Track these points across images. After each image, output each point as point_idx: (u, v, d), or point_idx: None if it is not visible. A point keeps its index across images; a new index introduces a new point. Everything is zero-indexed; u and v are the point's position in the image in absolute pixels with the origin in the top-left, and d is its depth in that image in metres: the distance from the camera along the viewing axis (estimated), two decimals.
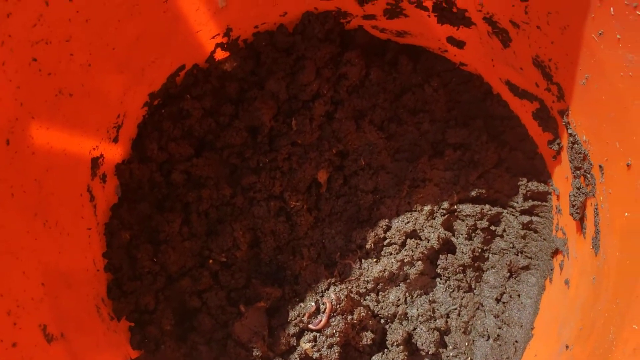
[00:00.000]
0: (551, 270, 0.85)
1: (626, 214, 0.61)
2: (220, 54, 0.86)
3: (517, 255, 0.90)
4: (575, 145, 0.72)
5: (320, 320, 0.77)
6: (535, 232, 0.89)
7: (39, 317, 0.60)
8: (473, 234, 0.90)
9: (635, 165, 0.58)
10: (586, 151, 0.69)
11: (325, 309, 0.77)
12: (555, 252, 0.84)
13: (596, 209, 0.69)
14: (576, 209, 0.73)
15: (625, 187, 0.61)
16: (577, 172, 0.73)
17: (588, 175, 0.70)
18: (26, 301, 0.59)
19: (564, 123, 0.73)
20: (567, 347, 0.69)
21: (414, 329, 0.86)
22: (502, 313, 0.88)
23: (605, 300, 0.63)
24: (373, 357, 0.83)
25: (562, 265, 0.81)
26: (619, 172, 0.62)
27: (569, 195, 0.75)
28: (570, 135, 0.72)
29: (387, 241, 0.88)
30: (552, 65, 0.69)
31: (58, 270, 0.66)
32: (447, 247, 0.91)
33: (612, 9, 0.53)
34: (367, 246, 0.87)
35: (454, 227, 0.91)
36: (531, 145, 0.87)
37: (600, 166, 0.66)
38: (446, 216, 0.89)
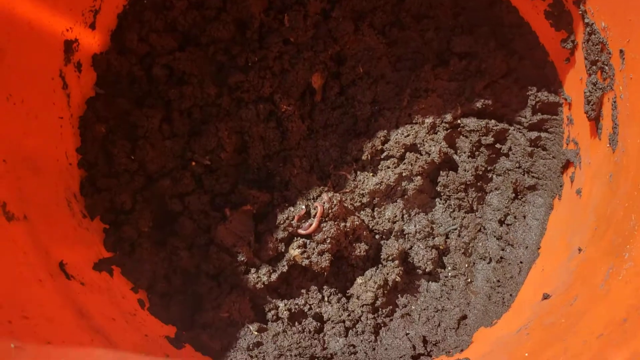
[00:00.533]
0: (560, 186, 0.79)
1: None
2: None
3: (524, 175, 0.84)
4: (593, 36, 0.66)
5: (311, 224, 0.71)
6: (544, 149, 0.83)
7: None
8: (477, 152, 0.84)
9: None
10: (605, 39, 0.63)
11: (316, 213, 0.71)
12: (566, 165, 0.78)
13: (614, 102, 0.63)
14: (592, 105, 0.67)
15: None
16: (593, 67, 0.67)
17: (606, 67, 0.64)
18: None
19: (580, 12, 0.67)
20: (579, 250, 0.63)
21: (411, 247, 0.80)
22: (506, 234, 0.82)
23: (624, 193, 0.57)
24: (366, 272, 0.77)
25: (572, 178, 0.75)
26: (638, 51, 0.56)
27: (584, 93, 0.69)
28: (587, 25, 0.66)
29: (384, 154, 0.81)
30: None
31: (22, 152, 0.60)
32: (449, 164, 0.85)
33: None
34: (364, 158, 0.81)
35: (457, 144, 0.85)
36: (542, 53, 0.80)
37: (621, 51, 0.60)
38: (449, 131, 0.83)
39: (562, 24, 0.71)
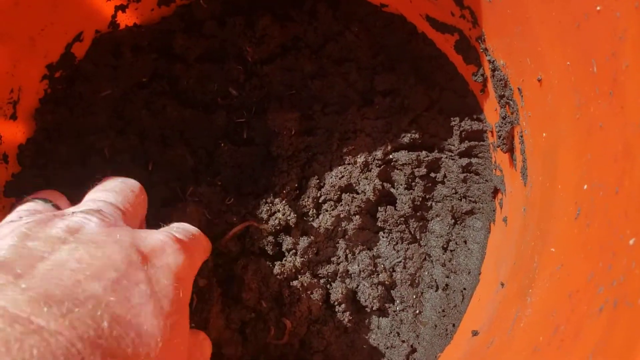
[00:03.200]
0: (493, 211, 0.81)
1: (544, 134, 0.57)
2: (124, 18, 0.81)
3: (461, 200, 0.86)
4: (496, 72, 0.67)
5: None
6: (477, 174, 0.84)
7: None
8: (413, 183, 0.86)
9: (545, 79, 0.54)
10: (506, 76, 0.65)
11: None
12: (495, 191, 0.80)
13: (521, 137, 0.65)
14: (502, 140, 0.69)
15: (540, 105, 0.57)
16: (502, 100, 0.69)
17: (511, 102, 0.66)
18: None
19: (482, 50, 0.69)
20: (502, 284, 0.65)
21: (357, 285, 0.82)
22: (450, 261, 0.84)
23: (532, 229, 0.59)
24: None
25: (501, 204, 0.77)
26: (533, 90, 0.58)
27: (495, 127, 0.71)
28: (490, 62, 0.68)
29: (322, 199, 0.83)
30: None
31: None
32: (388, 199, 0.87)
33: None
34: (307, 211, 0.82)
35: (393, 178, 0.86)
36: (461, 82, 0.82)
37: (519, 89, 0.62)
38: (382, 167, 0.85)
39: (470, 58, 0.73)
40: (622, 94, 0.39)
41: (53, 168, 0.75)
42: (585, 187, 0.44)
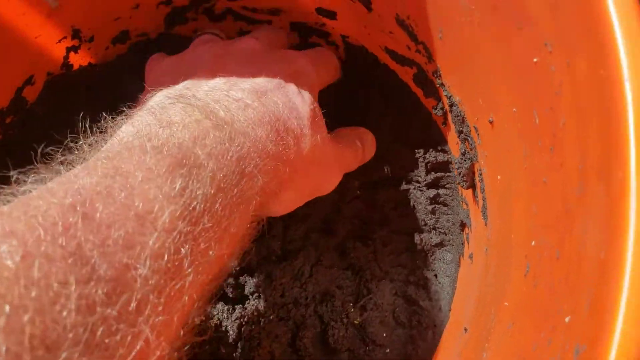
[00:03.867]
0: (462, 244, 0.78)
1: (499, 177, 0.55)
2: (77, 58, 0.79)
3: (430, 232, 0.84)
4: (454, 107, 0.65)
5: None
6: (445, 205, 0.82)
7: None
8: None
9: (496, 121, 0.52)
10: (462, 112, 0.63)
11: None
12: (462, 225, 0.77)
13: (480, 175, 0.63)
14: (462, 177, 0.67)
15: (494, 147, 0.55)
16: (461, 136, 0.67)
17: (469, 139, 0.64)
18: None
19: (438, 85, 0.67)
20: (465, 329, 0.63)
21: (326, 326, 0.79)
22: (417, 295, 0.82)
23: (492, 275, 0.57)
24: None
25: (468, 239, 0.75)
26: (487, 131, 0.56)
27: (455, 163, 0.69)
28: (447, 97, 0.66)
29: (289, 238, 0.81)
30: (412, 24, 0.63)
31: None
32: (358, 234, 0.85)
33: None
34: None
35: (362, 214, 0.84)
36: (425, 113, 0.80)
37: (474, 127, 0.60)
38: (351, 202, 0.83)
39: (429, 92, 0.71)
40: (561, 151, 0.36)
41: None
42: (533, 243, 0.42)
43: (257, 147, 0.43)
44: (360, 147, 0.68)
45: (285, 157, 0.47)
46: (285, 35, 0.74)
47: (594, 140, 0.31)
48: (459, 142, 0.68)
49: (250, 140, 0.42)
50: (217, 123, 0.40)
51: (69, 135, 0.75)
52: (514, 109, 0.45)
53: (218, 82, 0.48)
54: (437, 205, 0.82)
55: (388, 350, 0.80)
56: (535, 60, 0.38)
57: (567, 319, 0.31)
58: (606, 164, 0.28)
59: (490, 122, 0.53)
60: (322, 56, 0.70)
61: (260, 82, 0.50)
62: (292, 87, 0.52)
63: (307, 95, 0.54)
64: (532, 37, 0.38)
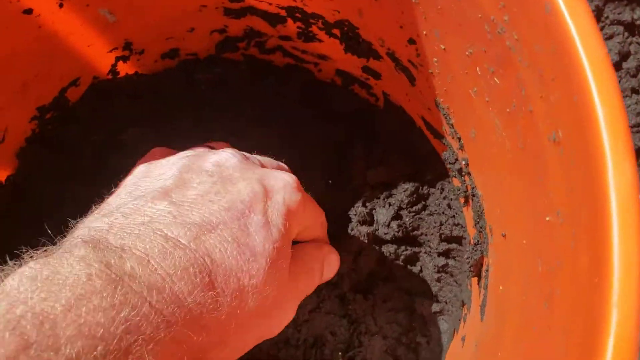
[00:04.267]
0: (459, 320, 0.79)
1: (500, 287, 0.56)
2: (125, 67, 0.81)
3: (431, 299, 0.85)
4: (475, 198, 0.66)
5: None
6: (451, 276, 0.83)
7: None
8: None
9: (509, 239, 0.53)
10: (482, 208, 0.64)
11: None
12: (463, 303, 0.78)
13: (487, 271, 0.64)
14: (470, 266, 0.68)
15: (502, 256, 0.56)
16: (477, 225, 0.67)
17: (483, 232, 0.65)
18: None
19: (464, 173, 0.68)
20: None
21: None
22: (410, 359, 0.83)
23: None
24: None
25: (465, 319, 0.76)
26: (499, 239, 0.57)
27: (466, 251, 0.69)
28: (471, 187, 0.67)
29: None
30: (450, 113, 0.64)
31: None
32: (360, 286, 0.86)
33: (478, 68, 0.47)
34: None
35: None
36: (450, 185, 0.81)
37: (489, 227, 0.61)
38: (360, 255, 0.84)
39: (456, 174, 0.72)
40: (551, 315, 0.37)
41: (27, 212, 0.75)
42: None
43: (163, 310, 0.35)
44: (319, 274, 0.59)
45: (216, 316, 0.39)
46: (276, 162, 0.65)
47: (577, 331, 0.32)
48: (475, 230, 0.69)
49: (158, 297, 0.35)
50: (112, 278, 0.33)
51: (105, 135, 0.78)
52: (524, 242, 0.46)
53: (163, 208, 0.41)
54: (443, 275, 0.83)
55: None
56: (547, 219, 0.39)
57: None
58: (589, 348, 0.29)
59: (503, 236, 0.54)
60: (315, 212, 0.59)
61: (216, 210, 0.43)
62: (256, 218, 0.44)
63: (277, 228, 0.45)
64: (548, 197, 0.39)
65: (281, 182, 0.50)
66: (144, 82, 0.84)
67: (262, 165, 0.56)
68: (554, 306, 0.37)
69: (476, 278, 0.71)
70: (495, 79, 0.44)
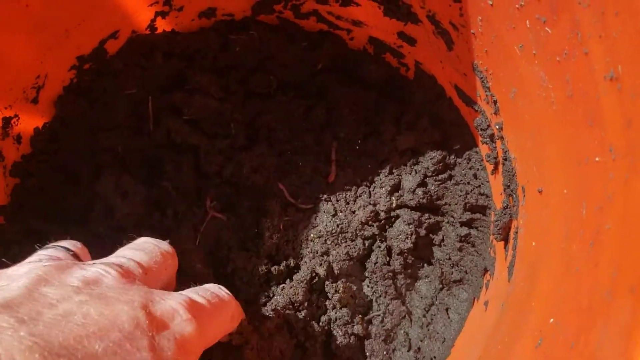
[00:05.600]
0: (480, 288, 0.81)
1: (533, 243, 0.57)
2: (162, 23, 0.82)
3: (452, 267, 0.86)
4: (507, 162, 0.67)
5: None
6: (473, 246, 0.84)
7: None
8: (409, 241, 0.86)
9: (545, 193, 0.54)
10: (514, 170, 0.65)
11: None
12: (485, 270, 0.80)
13: (516, 233, 0.65)
14: (499, 229, 0.69)
15: (536, 213, 0.57)
16: (507, 189, 0.69)
17: (514, 196, 0.66)
18: None
19: (498, 137, 0.69)
20: None
21: (331, 331, 0.82)
22: (427, 325, 0.85)
23: (503, 332, 0.59)
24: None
25: (487, 286, 0.77)
26: (534, 197, 0.58)
27: (494, 214, 0.71)
28: (503, 151, 0.68)
29: (316, 242, 0.84)
30: (488, 75, 0.65)
31: None
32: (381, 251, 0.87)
33: (527, 21, 0.48)
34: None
35: (390, 234, 0.87)
36: (477, 155, 0.82)
37: (522, 187, 0.62)
38: (383, 221, 0.85)
39: (487, 140, 0.73)
40: (599, 251, 0.39)
41: (63, 156, 0.77)
42: (552, 320, 0.44)
43: None
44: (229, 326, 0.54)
45: None
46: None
47: (633, 257, 0.33)
48: (503, 195, 0.70)
49: None
50: None
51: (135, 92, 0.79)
52: (565, 191, 0.48)
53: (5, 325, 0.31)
54: (465, 244, 0.85)
55: None
56: (597, 159, 0.40)
57: None
58: (637, 285, 0.30)
59: (539, 192, 0.55)
60: (216, 306, 0.49)
61: (83, 337, 0.33)
62: (141, 356, 0.35)
63: None
64: (599, 137, 0.40)
65: (170, 309, 0.41)
66: (179, 40, 0.85)
67: (148, 276, 0.47)
68: (602, 243, 0.39)
69: (502, 243, 0.72)
70: (547, 29, 0.45)
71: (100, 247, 0.70)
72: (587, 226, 0.42)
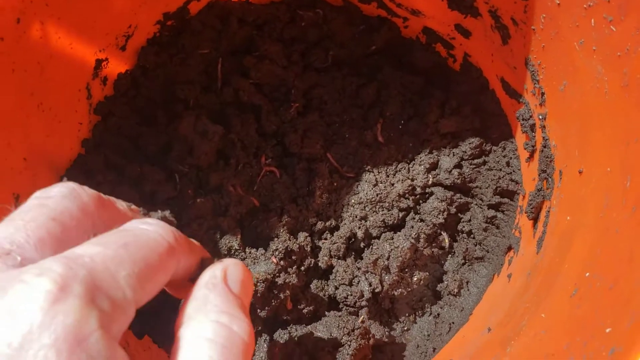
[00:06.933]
0: (501, 265, 0.89)
1: (568, 217, 0.65)
2: None
3: (476, 245, 0.94)
4: (545, 149, 0.75)
5: None
6: (497, 227, 0.92)
7: (14, 187, 0.65)
8: (440, 216, 0.94)
9: (585, 173, 0.62)
10: (553, 156, 0.73)
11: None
12: (509, 248, 0.88)
13: (548, 212, 0.73)
14: (532, 208, 0.77)
15: (573, 192, 0.65)
16: (543, 174, 0.77)
17: (549, 179, 0.74)
18: (5, 170, 0.64)
19: (540, 126, 0.77)
20: (489, 329, 0.73)
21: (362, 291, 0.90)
22: (448, 295, 0.93)
23: (531, 293, 0.67)
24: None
25: (510, 261, 0.85)
26: (572, 178, 0.66)
27: (529, 195, 0.79)
28: (544, 139, 0.76)
29: (357, 209, 0.91)
30: (540, 69, 0.72)
31: (41, 152, 0.71)
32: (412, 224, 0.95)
33: (592, 20, 0.56)
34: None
35: (423, 209, 0.95)
36: (512, 145, 0.90)
37: (560, 171, 0.70)
38: (418, 196, 0.93)
39: (527, 129, 0.80)
40: None
41: (140, 101, 0.84)
42: (587, 274, 0.53)
43: None
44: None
45: None
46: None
47: None
48: (537, 179, 0.78)
49: None
50: None
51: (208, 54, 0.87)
52: (609, 169, 0.56)
53: None
54: (490, 226, 0.93)
55: (406, 327, 0.91)
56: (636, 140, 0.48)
57: (607, 330, 0.42)
58: None
59: (580, 172, 0.63)
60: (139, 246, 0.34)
61: None
62: None
63: None
64: None
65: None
66: (253, 10, 0.92)
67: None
68: (638, 212, 0.47)
69: (530, 223, 0.80)
70: (612, 27, 0.53)
71: (174, 183, 0.78)
72: (629, 195, 0.50)
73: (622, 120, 0.53)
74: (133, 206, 0.43)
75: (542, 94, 0.73)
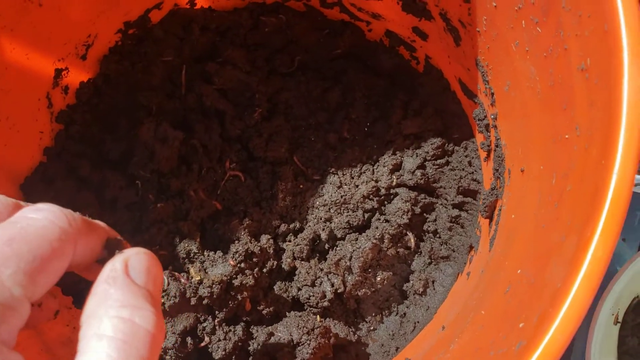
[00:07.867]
0: (465, 263, 0.90)
1: (513, 215, 0.66)
2: (201, 1, 0.91)
3: (441, 245, 0.95)
4: (498, 148, 0.76)
5: None
6: (462, 227, 0.93)
7: None
8: (405, 217, 0.95)
9: (526, 171, 0.63)
10: (503, 155, 0.74)
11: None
12: (470, 247, 0.89)
13: (499, 210, 0.74)
14: (485, 207, 0.78)
15: (517, 190, 0.66)
16: (496, 173, 0.78)
17: (501, 178, 0.75)
18: None
19: (492, 126, 0.78)
20: (443, 327, 0.74)
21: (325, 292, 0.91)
22: (414, 295, 0.94)
23: (479, 291, 0.68)
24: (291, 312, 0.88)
25: (471, 260, 0.86)
26: (517, 176, 0.67)
27: (482, 194, 0.80)
28: (496, 138, 0.77)
29: (320, 210, 0.93)
30: (488, 70, 0.74)
31: (0, 161, 0.72)
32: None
33: (523, 22, 0.58)
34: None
35: (387, 209, 0.96)
36: (473, 145, 0.91)
37: (509, 170, 0.71)
38: (382, 197, 0.94)
39: (482, 129, 0.82)
40: (561, 209, 0.48)
41: (102, 109, 0.86)
42: (519, 271, 0.54)
43: None
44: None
45: None
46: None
47: (582, 207, 0.42)
48: (492, 178, 0.79)
49: None
50: None
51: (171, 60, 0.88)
52: (541, 167, 0.57)
53: None
54: (455, 225, 0.94)
55: (372, 327, 0.92)
56: (566, 136, 0.49)
57: (520, 325, 0.43)
58: (583, 226, 0.40)
59: (522, 171, 0.64)
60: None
61: None
62: None
63: None
64: (569, 118, 0.49)
65: None
66: (215, 17, 0.94)
67: None
68: (562, 201, 0.48)
69: (487, 221, 0.81)
70: (538, 28, 0.55)
71: (136, 189, 0.79)
72: (554, 192, 0.51)
73: (550, 119, 0.55)
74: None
75: (492, 94, 0.74)
